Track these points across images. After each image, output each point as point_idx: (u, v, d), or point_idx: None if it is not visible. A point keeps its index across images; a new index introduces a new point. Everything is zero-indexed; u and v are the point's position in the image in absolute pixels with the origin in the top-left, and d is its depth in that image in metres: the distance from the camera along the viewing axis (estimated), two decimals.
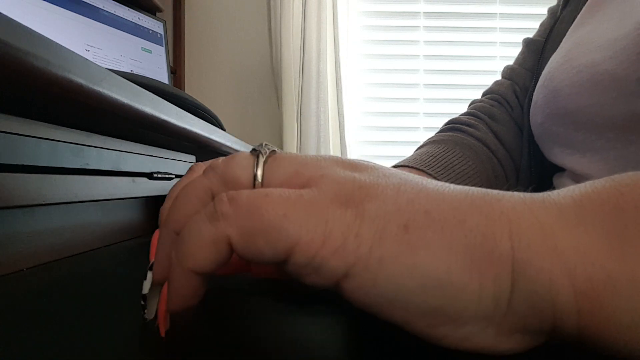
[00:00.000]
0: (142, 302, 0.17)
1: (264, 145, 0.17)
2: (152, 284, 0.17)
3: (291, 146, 1.52)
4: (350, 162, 0.16)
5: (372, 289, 0.13)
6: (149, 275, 0.17)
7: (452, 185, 0.15)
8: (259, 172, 0.16)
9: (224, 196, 0.15)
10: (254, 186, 0.16)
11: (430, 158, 0.42)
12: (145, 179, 0.47)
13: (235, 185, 0.16)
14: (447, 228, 0.13)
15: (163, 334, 0.17)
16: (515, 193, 0.15)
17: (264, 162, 0.16)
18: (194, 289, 0.15)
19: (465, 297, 0.13)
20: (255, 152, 0.17)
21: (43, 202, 0.30)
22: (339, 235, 0.14)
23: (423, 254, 0.13)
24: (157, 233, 0.20)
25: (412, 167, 0.40)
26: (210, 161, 0.21)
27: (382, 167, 0.16)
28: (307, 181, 0.15)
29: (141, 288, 0.18)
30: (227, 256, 0.15)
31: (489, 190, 0.15)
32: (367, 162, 0.17)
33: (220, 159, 0.17)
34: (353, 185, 0.15)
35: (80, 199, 0.35)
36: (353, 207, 0.14)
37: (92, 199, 0.37)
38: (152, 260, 0.19)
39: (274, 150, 0.17)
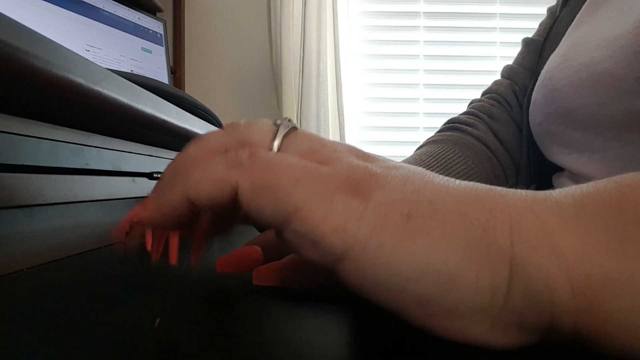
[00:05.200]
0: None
1: (287, 119, 0.17)
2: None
3: None
4: (364, 153, 0.17)
5: (370, 274, 0.13)
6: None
7: (458, 180, 0.15)
8: (277, 143, 0.16)
9: (247, 149, 0.15)
10: None
11: (430, 158, 0.42)
12: (145, 179, 0.47)
13: (251, 148, 0.16)
14: (449, 219, 0.14)
15: (175, 262, 0.17)
16: (518, 190, 0.15)
17: (284, 136, 0.16)
18: (175, 212, 0.15)
19: (462, 288, 0.13)
20: (277, 123, 0.17)
21: (43, 202, 0.31)
22: (341, 215, 0.14)
23: (422, 242, 0.13)
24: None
25: None
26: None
27: (392, 161, 0.17)
28: (322, 160, 0.16)
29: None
30: (225, 201, 0.15)
31: (493, 187, 0.15)
32: (379, 155, 0.17)
33: (242, 120, 0.18)
34: (364, 172, 0.15)
35: (80, 199, 0.35)
36: (361, 193, 0.14)
37: (92, 199, 0.37)
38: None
39: (295, 127, 0.17)
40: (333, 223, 0.14)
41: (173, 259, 0.17)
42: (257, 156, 0.15)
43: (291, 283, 0.23)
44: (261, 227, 0.25)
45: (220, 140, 0.17)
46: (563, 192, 0.14)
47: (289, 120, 0.17)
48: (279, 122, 0.17)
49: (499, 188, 0.15)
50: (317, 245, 0.14)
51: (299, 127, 0.18)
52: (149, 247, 0.17)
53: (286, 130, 0.17)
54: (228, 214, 0.20)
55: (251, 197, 0.14)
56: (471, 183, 0.15)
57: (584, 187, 0.14)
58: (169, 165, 0.17)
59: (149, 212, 0.16)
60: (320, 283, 0.22)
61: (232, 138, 0.17)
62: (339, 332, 0.18)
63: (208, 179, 0.15)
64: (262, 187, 0.14)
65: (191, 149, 0.17)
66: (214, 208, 0.15)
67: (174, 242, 0.17)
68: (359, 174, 0.15)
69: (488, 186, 0.15)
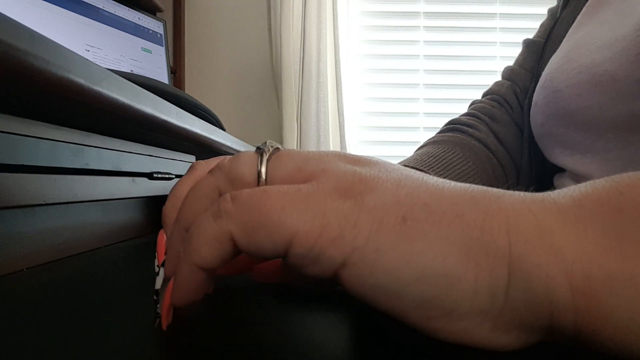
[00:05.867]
0: (155, 297, 0.18)
1: (267, 143, 0.17)
2: (164, 280, 0.18)
3: (291, 146, 1.52)
4: (353, 156, 0.17)
5: (369, 279, 0.13)
6: (161, 271, 0.18)
7: (453, 182, 0.15)
8: (263, 170, 0.16)
9: (227, 195, 0.15)
10: (258, 183, 0.16)
11: (431, 158, 0.42)
12: (145, 179, 0.47)
13: (240, 182, 0.17)
14: (445, 221, 0.13)
15: (165, 327, 0.17)
16: (515, 192, 0.15)
17: (268, 160, 0.17)
18: (198, 284, 0.16)
19: (461, 289, 0.13)
20: (260, 150, 0.17)
21: (43, 202, 0.30)
22: (336, 225, 0.14)
23: (420, 245, 0.13)
24: (162, 232, 0.20)
25: (412, 167, 0.40)
26: (213, 159, 0.21)
27: (385, 163, 0.17)
28: (308, 176, 0.16)
29: (154, 284, 0.18)
30: (230, 252, 0.15)
31: (489, 188, 0.15)
32: (371, 157, 0.17)
33: (227, 158, 0.18)
34: (353, 177, 0.15)
35: (80, 199, 0.35)
36: (352, 198, 0.14)
37: (92, 199, 0.37)
38: (158, 257, 0.19)
39: (278, 148, 0.17)
40: (330, 235, 0.14)
41: (164, 323, 0.18)
42: (239, 199, 0.15)
43: (291, 280, 0.23)
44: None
45: (212, 184, 0.17)
46: (561, 193, 0.14)
47: (270, 142, 0.17)
48: (260, 148, 0.17)
49: (495, 189, 0.15)
50: (318, 261, 0.14)
51: (282, 145, 0.18)
52: (167, 322, 0.18)
53: (269, 154, 0.17)
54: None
55: (247, 240, 0.14)
56: (466, 185, 0.15)
57: (582, 187, 0.14)
58: (174, 226, 0.18)
59: (175, 295, 0.16)
60: (319, 280, 0.22)
61: (221, 178, 0.17)
62: (339, 332, 0.18)
63: (205, 242, 0.15)
64: (252, 228, 0.14)
65: (188, 201, 0.17)
66: (225, 263, 0.15)
67: (167, 304, 0.17)
68: (347, 180, 0.15)
69: (484, 188, 0.15)
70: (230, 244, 0.15)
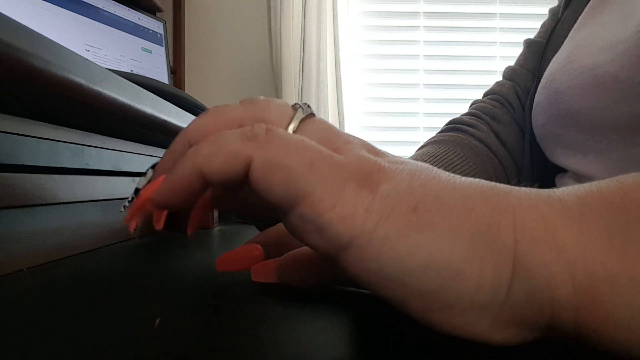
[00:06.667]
0: (133, 196, 0.17)
1: (306, 105, 0.17)
2: (149, 181, 0.17)
3: None
4: (374, 148, 0.17)
5: (373, 264, 0.13)
6: (150, 172, 0.17)
7: (463, 177, 0.16)
8: (293, 126, 0.16)
9: (264, 125, 0.15)
10: None
11: (432, 158, 0.42)
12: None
13: (268, 124, 0.16)
14: (455, 214, 0.14)
15: (132, 229, 0.16)
16: (522, 188, 0.15)
17: (301, 120, 0.16)
18: (188, 188, 0.15)
19: (464, 282, 0.13)
20: (296, 106, 0.17)
21: (43, 202, 0.30)
22: (349, 204, 0.14)
23: (428, 235, 0.13)
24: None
25: None
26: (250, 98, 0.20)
27: (400, 157, 0.17)
28: (334, 150, 0.16)
29: (137, 183, 0.17)
30: (238, 176, 0.15)
31: (497, 184, 0.15)
32: (387, 152, 0.17)
33: (262, 97, 0.18)
34: (374, 165, 0.15)
35: (80, 199, 0.35)
36: (369, 185, 0.14)
37: (92, 199, 0.37)
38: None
39: (313, 114, 0.17)
40: (342, 212, 0.14)
41: (133, 224, 0.16)
42: (274, 133, 0.15)
43: (289, 279, 0.23)
44: (260, 227, 0.25)
45: (237, 113, 0.17)
46: (566, 191, 0.14)
47: (308, 105, 0.17)
48: (297, 105, 0.17)
49: (503, 185, 0.15)
50: (322, 232, 0.14)
51: (316, 114, 0.17)
52: (160, 226, 0.17)
53: (304, 115, 0.17)
54: (232, 191, 0.20)
55: (263, 173, 0.14)
56: (476, 180, 0.15)
57: (587, 186, 0.14)
58: (180, 135, 0.17)
59: (160, 190, 0.15)
60: (318, 279, 0.22)
61: (249, 112, 0.17)
62: (339, 332, 0.18)
63: (222, 151, 0.15)
64: (275, 164, 0.14)
65: (205, 118, 0.17)
66: (225, 184, 0.15)
67: (142, 199, 0.16)
68: (368, 166, 0.15)
69: (493, 183, 0.15)
70: (244, 168, 0.14)
